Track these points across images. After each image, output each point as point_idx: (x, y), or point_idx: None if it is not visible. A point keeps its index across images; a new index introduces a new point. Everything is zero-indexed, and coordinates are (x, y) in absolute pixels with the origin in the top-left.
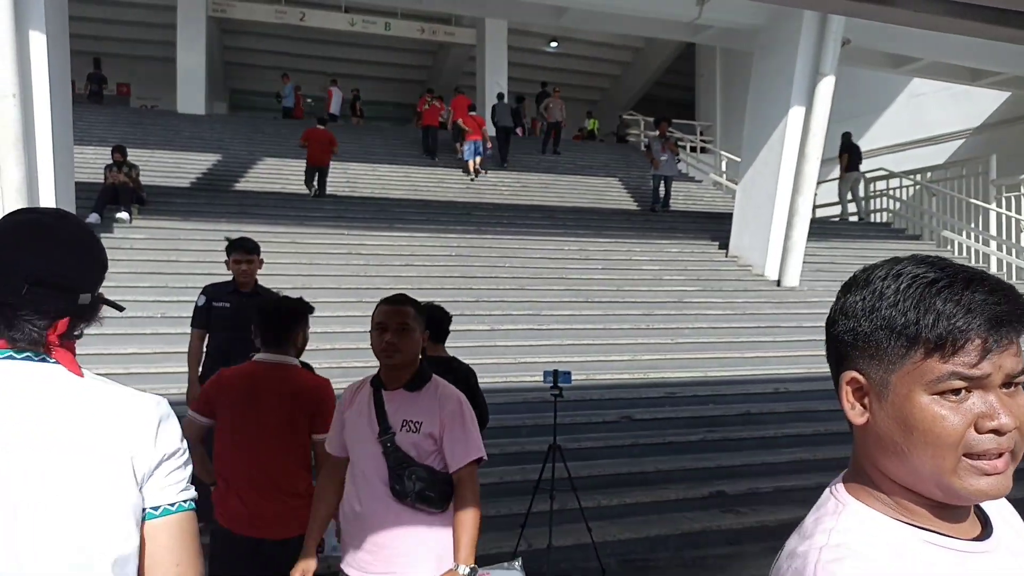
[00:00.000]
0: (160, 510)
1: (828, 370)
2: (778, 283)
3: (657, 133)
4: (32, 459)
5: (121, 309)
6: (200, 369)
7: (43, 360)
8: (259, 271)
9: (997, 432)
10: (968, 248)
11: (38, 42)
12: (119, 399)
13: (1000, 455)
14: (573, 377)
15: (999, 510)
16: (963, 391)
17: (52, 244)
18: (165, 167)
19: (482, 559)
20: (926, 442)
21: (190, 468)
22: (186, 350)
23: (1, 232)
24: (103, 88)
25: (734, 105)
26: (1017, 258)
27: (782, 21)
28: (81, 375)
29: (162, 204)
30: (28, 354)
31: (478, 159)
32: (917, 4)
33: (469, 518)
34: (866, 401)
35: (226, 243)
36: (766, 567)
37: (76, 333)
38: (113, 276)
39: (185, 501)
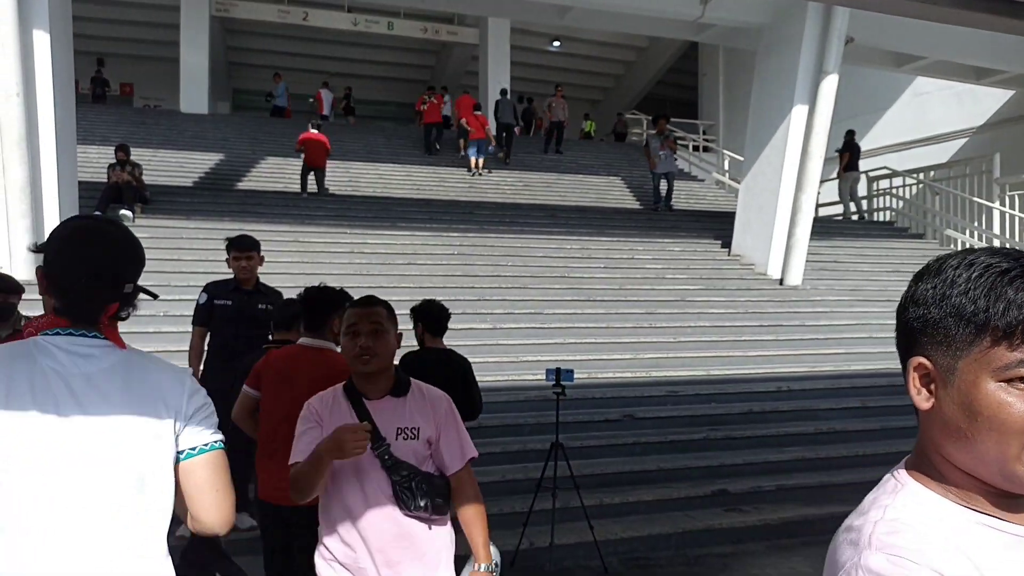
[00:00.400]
0: (197, 449)
1: (829, 369)
2: (781, 282)
3: (655, 131)
4: (92, 408)
5: (155, 296)
6: (202, 367)
7: (95, 336)
8: (261, 269)
9: None
10: (971, 246)
11: (42, 41)
12: (157, 366)
13: None
14: (576, 375)
15: None
16: None
17: (105, 245)
18: (168, 166)
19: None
20: (991, 428)
21: (216, 418)
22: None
23: (63, 235)
24: (107, 91)
25: (737, 104)
26: None
27: (785, 20)
28: (124, 348)
29: (165, 203)
30: (83, 331)
31: (482, 159)
32: None
33: (480, 517)
34: (932, 387)
35: (226, 242)
36: (769, 566)
37: (122, 315)
38: None
39: (216, 442)
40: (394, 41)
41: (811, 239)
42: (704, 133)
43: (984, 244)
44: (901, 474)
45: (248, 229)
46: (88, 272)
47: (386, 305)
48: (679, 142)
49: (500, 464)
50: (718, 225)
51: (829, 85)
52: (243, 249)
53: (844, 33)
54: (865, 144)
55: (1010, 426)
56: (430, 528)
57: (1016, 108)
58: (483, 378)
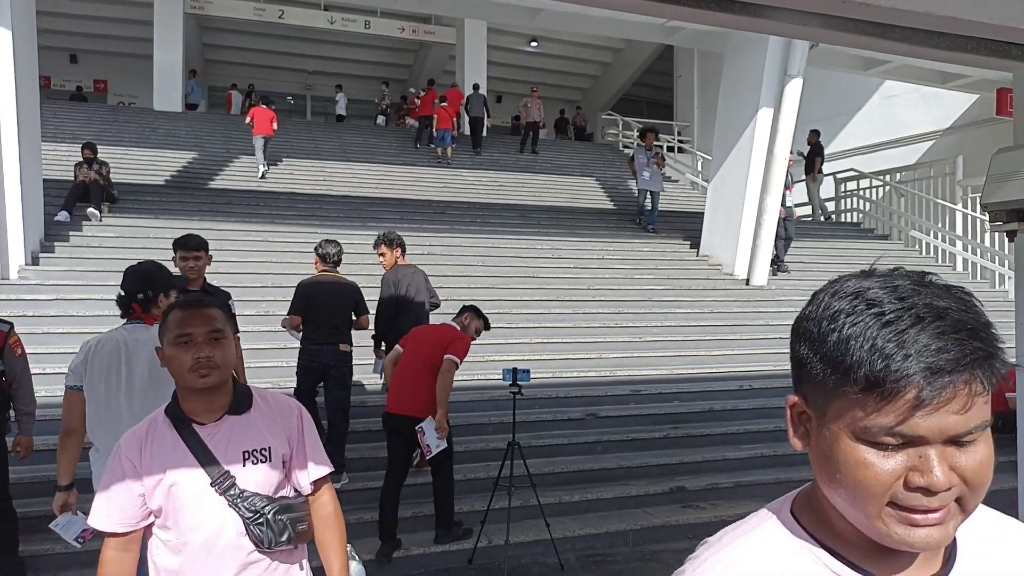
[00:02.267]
0: None
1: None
2: (747, 282)
3: (644, 144)
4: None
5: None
6: None
7: (142, 323)
8: (233, 268)
9: (927, 491)
10: (934, 247)
11: (3, 38)
12: None
13: (935, 510)
14: (541, 375)
15: (997, 545)
16: (898, 438)
17: (146, 273)
18: (140, 164)
19: (443, 555)
20: (848, 485)
21: None
22: None
23: (128, 272)
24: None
25: (711, 106)
26: (982, 257)
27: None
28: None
29: (134, 201)
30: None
31: (450, 148)
32: (793, 17)
33: (339, 538)
34: (809, 426)
35: (172, 242)
36: None
37: (154, 312)
38: (82, 275)
39: None
40: (371, 40)
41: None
42: (679, 134)
43: (947, 244)
44: (780, 507)
45: (218, 228)
46: (141, 290)
47: (220, 306)
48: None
49: (462, 463)
50: (689, 225)
51: (794, 88)
52: (190, 249)
53: None
54: (834, 146)
55: (867, 488)
56: (295, 556)
57: (980, 112)
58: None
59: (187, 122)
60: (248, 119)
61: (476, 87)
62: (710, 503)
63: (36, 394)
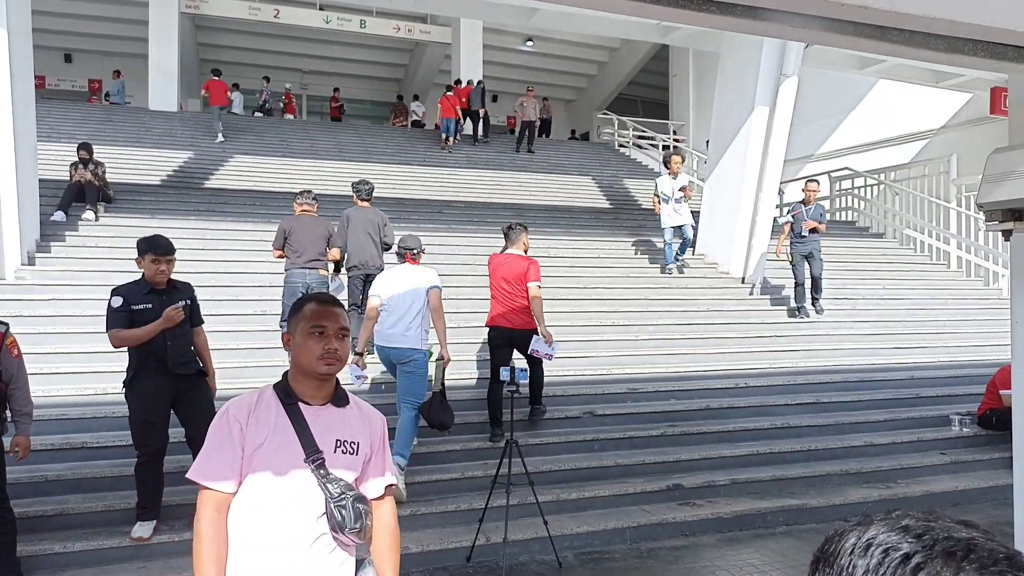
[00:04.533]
0: None
1: (787, 366)
2: (742, 280)
3: (668, 172)
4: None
5: None
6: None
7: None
8: (240, 266)
9: None
10: (928, 246)
11: None
12: None
13: None
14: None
15: None
16: None
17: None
18: (135, 164)
19: (441, 554)
20: None
21: None
22: None
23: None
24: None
25: (706, 104)
26: (975, 256)
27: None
28: None
29: (129, 201)
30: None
31: (452, 138)
32: (792, 19)
33: (395, 550)
34: None
35: (139, 243)
36: (719, 557)
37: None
38: (78, 275)
39: None
40: (367, 39)
41: (772, 238)
42: (674, 133)
43: (941, 243)
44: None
45: (214, 228)
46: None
47: (343, 306)
48: (647, 142)
49: (460, 461)
50: None
51: (789, 87)
52: (164, 253)
53: None
54: (828, 145)
55: None
56: (351, 551)
57: (974, 111)
58: (446, 376)
59: (183, 122)
60: (204, 91)
61: (480, 83)
62: (707, 500)
63: (32, 394)
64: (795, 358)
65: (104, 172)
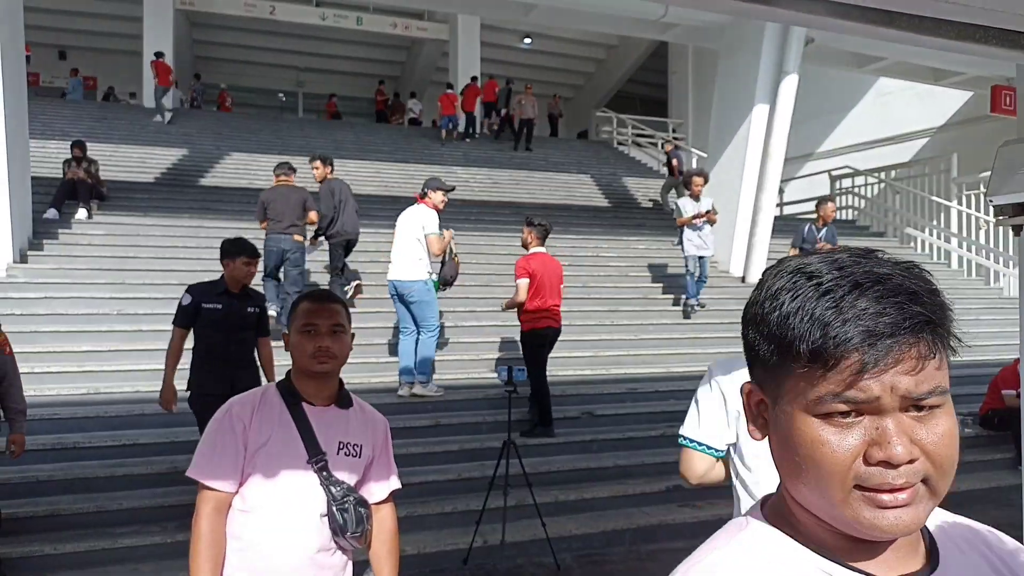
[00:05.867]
0: None
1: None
2: (743, 279)
3: (689, 193)
4: None
5: None
6: (176, 371)
7: None
8: (200, 265)
9: (888, 464)
10: (930, 244)
11: None
12: None
13: (901, 489)
14: None
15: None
16: (852, 414)
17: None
18: (130, 162)
19: (437, 556)
20: (808, 468)
21: None
22: (145, 347)
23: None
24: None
25: (705, 103)
26: (977, 255)
27: (746, 20)
28: None
29: (123, 199)
30: None
31: (455, 132)
32: (799, 4)
33: (394, 556)
34: (767, 415)
35: (225, 244)
36: None
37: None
38: (71, 273)
39: None
40: (364, 36)
41: (772, 237)
42: (673, 131)
43: (942, 242)
44: (754, 512)
45: (207, 226)
46: None
47: (342, 302)
48: (646, 140)
49: (458, 462)
50: None
51: (789, 85)
52: (254, 255)
53: (804, 34)
54: (828, 144)
55: (827, 468)
56: (349, 555)
57: (974, 109)
58: (443, 376)
59: (177, 119)
60: (153, 73)
61: (508, 82)
62: (707, 502)
63: (24, 392)
64: None
65: (97, 170)
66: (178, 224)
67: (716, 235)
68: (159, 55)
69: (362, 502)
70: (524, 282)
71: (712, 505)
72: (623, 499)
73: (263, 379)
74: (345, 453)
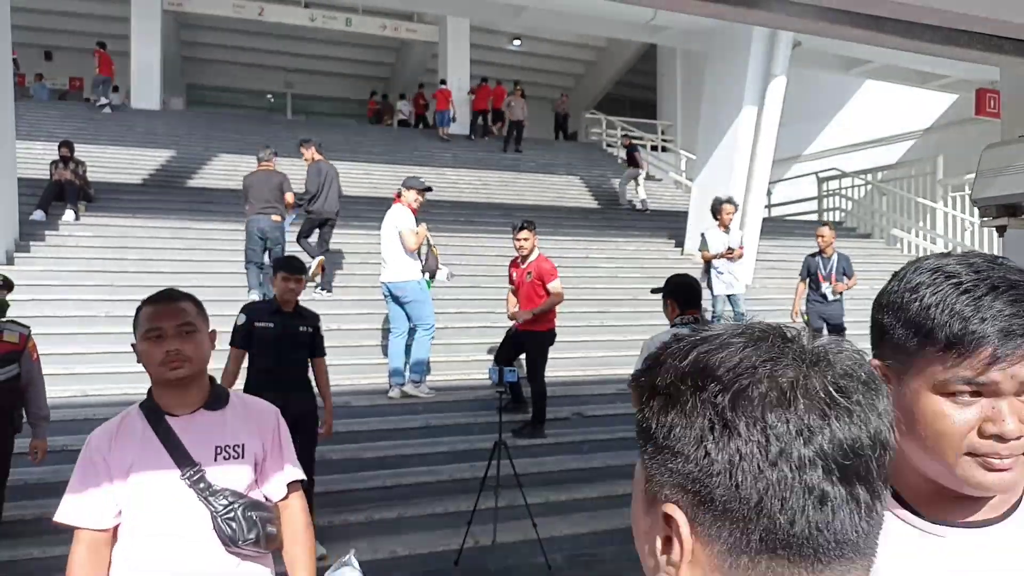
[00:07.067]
0: None
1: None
2: None
3: (718, 223)
4: None
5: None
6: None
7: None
8: (188, 267)
9: (999, 438)
10: (916, 246)
11: None
12: None
13: (1007, 457)
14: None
15: None
16: (970, 394)
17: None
18: (118, 163)
19: (429, 557)
20: (928, 435)
21: None
22: (129, 350)
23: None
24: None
25: (694, 105)
26: None
27: (735, 23)
28: None
29: (111, 201)
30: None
31: (447, 128)
32: (788, 8)
33: (308, 554)
34: (889, 388)
35: (272, 263)
36: None
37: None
38: (58, 275)
39: None
40: (353, 38)
41: (761, 238)
42: (662, 133)
43: (928, 243)
44: None
45: (196, 227)
46: None
47: (192, 299)
48: (636, 142)
49: (448, 463)
50: (673, 224)
51: (777, 88)
52: (293, 271)
53: (792, 37)
54: (816, 146)
55: (945, 437)
56: (261, 561)
57: (959, 112)
58: (434, 377)
59: (165, 120)
60: (96, 63)
61: (517, 85)
62: None
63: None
64: None
65: (85, 171)
66: (167, 225)
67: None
68: (101, 45)
69: (254, 505)
70: (559, 282)
71: None
72: (614, 499)
73: (319, 400)
74: (224, 457)
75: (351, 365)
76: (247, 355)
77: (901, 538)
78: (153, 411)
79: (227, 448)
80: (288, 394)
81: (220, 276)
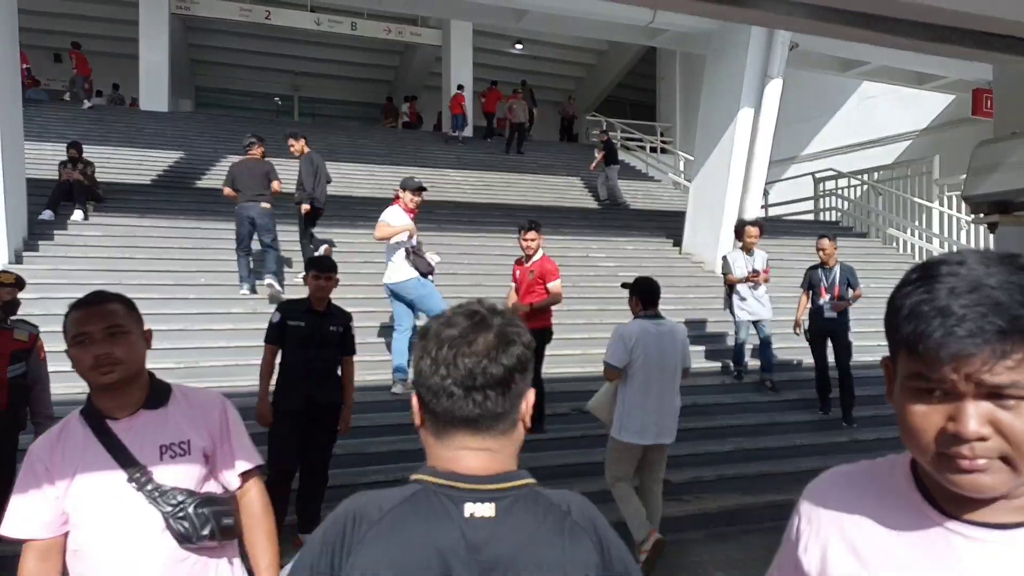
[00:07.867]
0: None
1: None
2: None
3: (741, 245)
4: None
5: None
6: (269, 387)
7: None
8: (198, 266)
9: (957, 438)
10: (912, 245)
11: None
12: None
13: (976, 458)
14: None
15: None
16: (938, 392)
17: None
18: (127, 164)
19: None
20: (906, 430)
21: None
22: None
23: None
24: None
25: (693, 107)
26: None
27: (733, 26)
28: None
29: (120, 201)
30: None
31: (459, 132)
32: (780, 7)
33: (268, 538)
34: (892, 385)
35: (305, 262)
36: (706, 552)
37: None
38: (67, 273)
39: None
40: (358, 41)
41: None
42: (661, 135)
43: (924, 242)
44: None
45: (204, 228)
46: None
47: (122, 299)
48: (635, 144)
49: None
50: (671, 224)
51: (774, 89)
52: (323, 270)
53: (788, 39)
54: (813, 146)
55: (916, 432)
56: (219, 553)
57: (956, 112)
58: None
59: (174, 122)
60: (73, 62)
61: (524, 83)
62: (694, 495)
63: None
64: (780, 355)
65: (93, 171)
66: (175, 225)
67: (703, 236)
68: (75, 45)
69: (207, 500)
70: (560, 283)
71: (699, 499)
72: (612, 493)
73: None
74: (171, 456)
75: (355, 361)
76: (279, 351)
77: (926, 536)
78: (93, 416)
79: (172, 446)
80: (313, 390)
81: (228, 275)
